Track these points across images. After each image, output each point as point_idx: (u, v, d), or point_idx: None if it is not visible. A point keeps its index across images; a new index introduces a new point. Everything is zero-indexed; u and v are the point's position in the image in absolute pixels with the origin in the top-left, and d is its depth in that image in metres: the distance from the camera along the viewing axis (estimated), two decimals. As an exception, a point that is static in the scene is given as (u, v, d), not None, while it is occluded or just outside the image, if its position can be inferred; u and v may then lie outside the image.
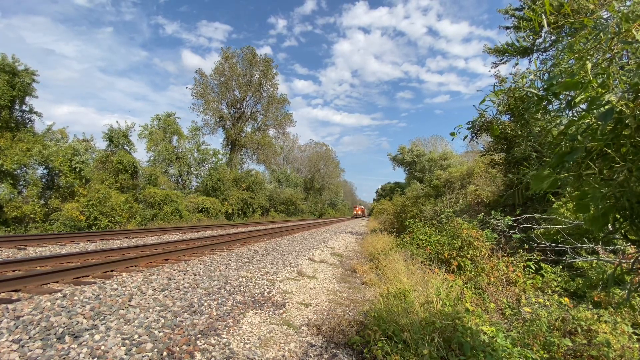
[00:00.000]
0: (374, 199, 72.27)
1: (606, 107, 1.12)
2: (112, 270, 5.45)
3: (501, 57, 11.32)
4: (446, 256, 6.89)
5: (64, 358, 2.51)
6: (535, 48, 9.93)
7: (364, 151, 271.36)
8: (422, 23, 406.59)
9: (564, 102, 1.33)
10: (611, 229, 1.25)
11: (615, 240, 4.68)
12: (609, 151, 1.17)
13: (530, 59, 10.20)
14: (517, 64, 10.81)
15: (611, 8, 1.39)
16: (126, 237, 10.92)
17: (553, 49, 9.33)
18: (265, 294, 4.81)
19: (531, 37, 9.55)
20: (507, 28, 11.02)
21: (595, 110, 1.18)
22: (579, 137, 1.20)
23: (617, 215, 1.18)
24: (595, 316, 4.08)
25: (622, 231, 1.24)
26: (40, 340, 2.72)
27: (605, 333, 3.75)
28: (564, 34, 7.57)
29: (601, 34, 1.31)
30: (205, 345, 3.01)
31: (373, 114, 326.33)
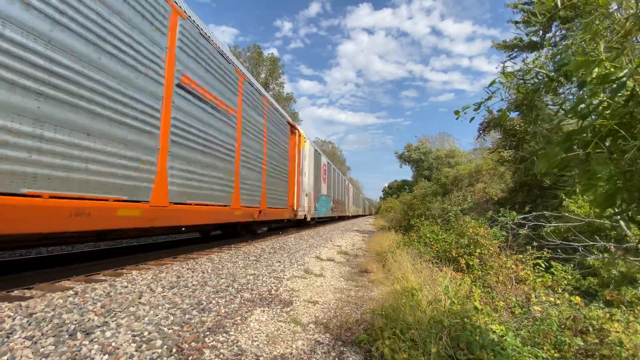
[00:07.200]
0: (381, 197, 71.71)
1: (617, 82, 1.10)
2: (122, 268, 5.52)
3: (510, 53, 11.17)
4: (454, 254, 6.84)
5: (76, 354, 2.55)
6: (544, 43, 9.76)
7: (369, 149, 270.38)
8: (425, 23, 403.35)
9: (576, 84, 1.30)
10: (617, 210, 1.23)
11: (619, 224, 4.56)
12: (619, 130, 1.15)
13: (539, 54, 10.04)
14: (525, 59, 10.66)
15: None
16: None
17: (562, 44, 9.15)
18: (273, 292, 4.83)
19: (540, 31, 9.39)
20: (516, 22, 10.86)
21: (607, 88, 1.15)
22: (590, 117, 1.17)
23: (624, 196, 1.15)
24: (607, 315, 4.02)
25: (629, 213, 1.21)
26: (53, 336, 2.77)
27: (618, 332, 3.69)
28: (574, 30, 7.43)
29: (616, 14, 1.28)
30: (214, 342, 3.04)
31: (377, 113, 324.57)
